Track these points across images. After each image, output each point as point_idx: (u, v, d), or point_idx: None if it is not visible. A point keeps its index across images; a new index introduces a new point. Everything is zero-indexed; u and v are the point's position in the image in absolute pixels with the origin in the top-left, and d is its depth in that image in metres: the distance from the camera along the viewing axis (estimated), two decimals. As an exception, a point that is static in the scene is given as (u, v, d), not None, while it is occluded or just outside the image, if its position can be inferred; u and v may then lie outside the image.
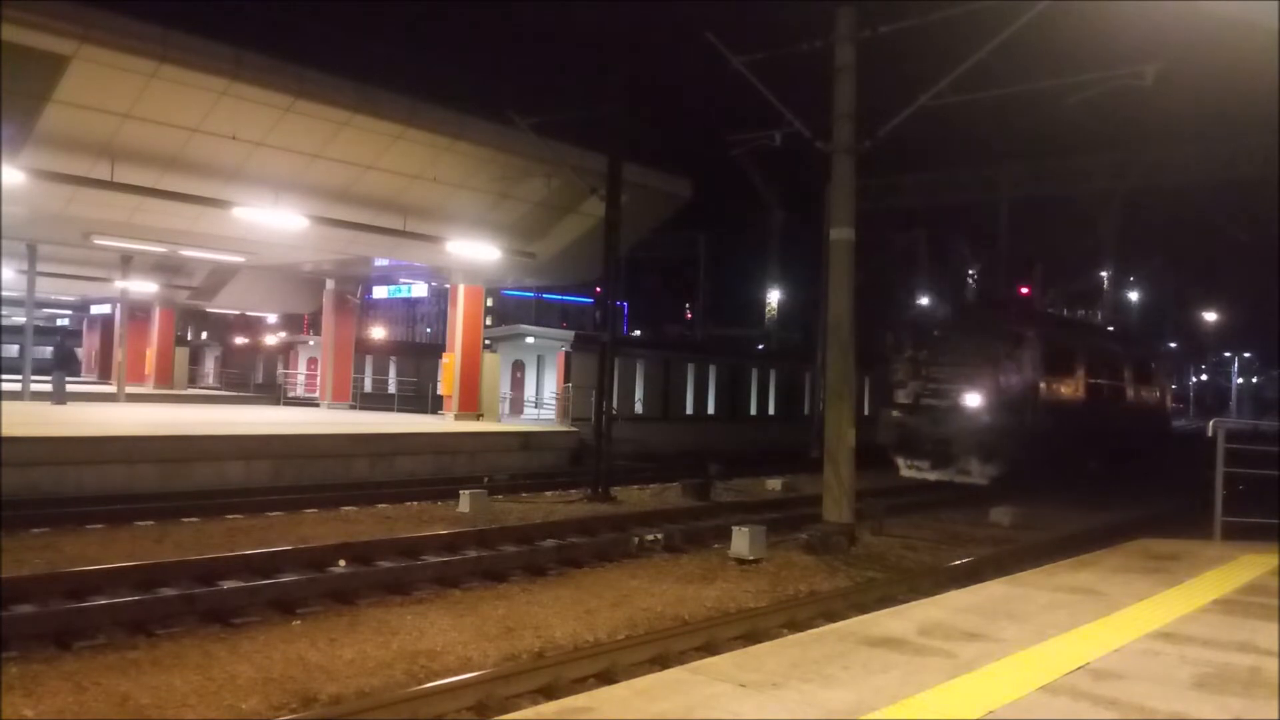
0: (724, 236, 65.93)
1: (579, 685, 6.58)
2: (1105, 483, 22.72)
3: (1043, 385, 22.43)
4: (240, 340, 49.21)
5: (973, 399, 21.62)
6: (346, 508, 14.98)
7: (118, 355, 30.10)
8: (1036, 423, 21.79)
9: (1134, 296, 69.88)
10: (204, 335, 50.85)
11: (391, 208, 20.32)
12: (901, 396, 22.80)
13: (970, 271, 51.20)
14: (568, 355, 26.35)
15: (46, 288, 31.13)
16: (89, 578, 9.05)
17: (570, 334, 27.70)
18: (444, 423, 23.79)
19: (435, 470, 19.14)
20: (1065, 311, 67.02)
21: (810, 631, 6.18)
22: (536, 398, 30.66)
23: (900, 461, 22.71)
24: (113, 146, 16.24)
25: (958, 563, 12.23)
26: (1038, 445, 21.45)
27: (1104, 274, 67.30)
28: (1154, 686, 4.68)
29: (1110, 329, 38.91)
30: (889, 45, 13.73)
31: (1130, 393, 27.69)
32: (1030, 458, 21.24)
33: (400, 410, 29.47)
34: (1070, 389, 23.97)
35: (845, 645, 5.26)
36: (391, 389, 33.20)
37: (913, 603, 7.02)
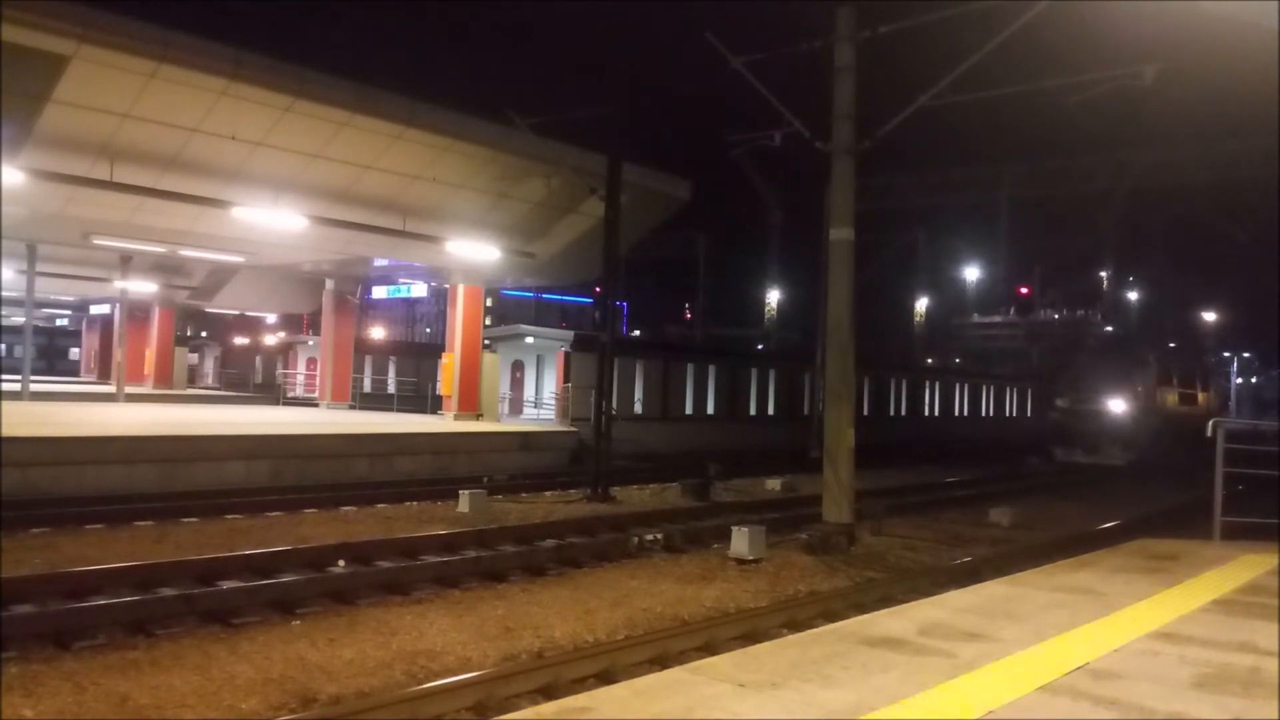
0: (724, 237, 66.09)
1: (578, 685, 6.57)
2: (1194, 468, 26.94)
3: (1158, 395, 31.37)
4: (240, 340, 49.21)
5: (1115, 404, 30.21)
6: (346, 508, 14.98)
7: (117, 355, 30.11)
8: (1155, 422, 30.01)
9: (1133, 296, 69.89)
10: (203, 335, 50.86)
11: (391, 208, 20.31)
12: (1060, 402, 31.50)
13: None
14: (567, 355, 26.35)
15: (46, 288, 31.15)
16: (88, 578, 9.04)
17: (570, 334, 27.69)
18: (443, 423, 23.78)
19: (435, 470, 19.13)
20: (1065, 310, 67.28)
21: (810, 631, 6.17)
22: (536, 398, 30.66)
23: (1057, 450, 30.79)
24: (112, 146, 16.23)
25: (958, 562, 12.24)
26: (1155, 438, 29.47)
27: (1103, 274, 67.37)
28: (1154, 686, 4.68)
29: (1184, 348, 50.27)
30: (889, 45, 13.73)
31: (1200, 397, 35.96)
32: (1151, 447, 29.19)
33: (400, 410, 29.45)
34: (1172, 397, 32.73)
35: (845, 645, 5.26)
36: (391, 389, 33.19)
37: (912, 603, 7.01)
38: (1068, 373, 32.22)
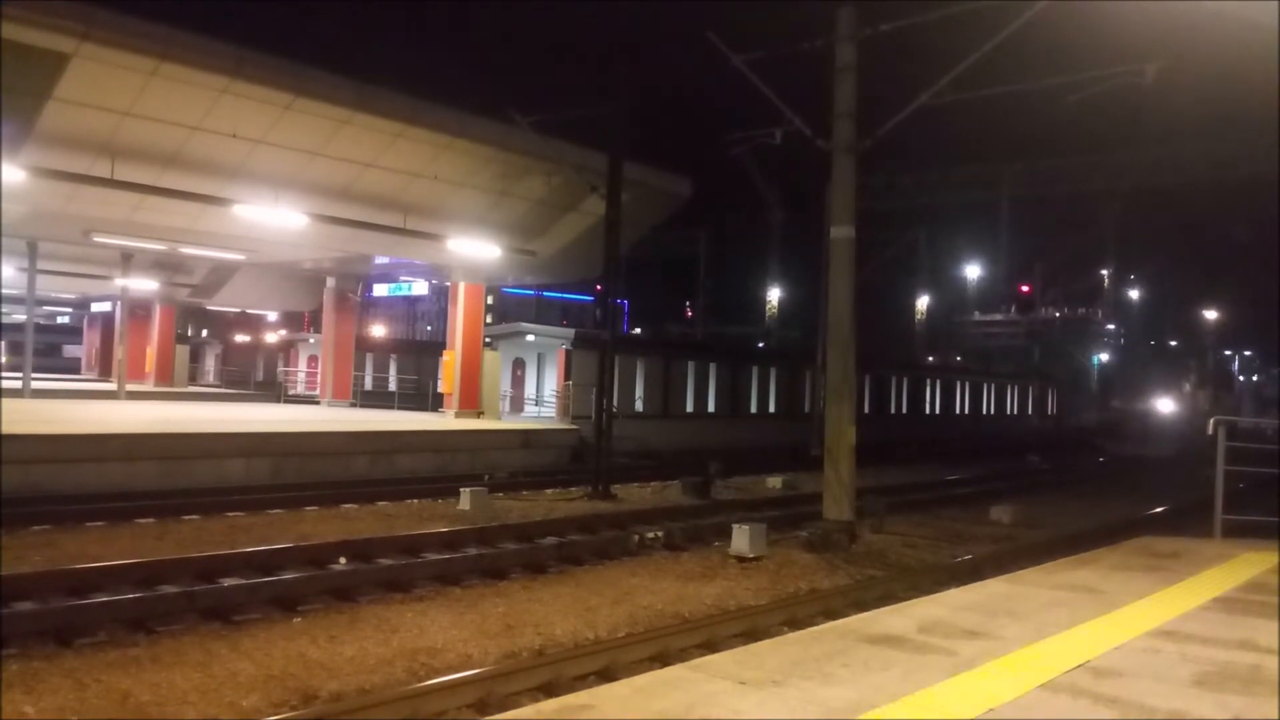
0: (725, 235, 65.95)
1: (579, 683, 6.59)
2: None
3: (1197, 396, 39.60)
4: (241, 338, 49.18)
5: (1164, 405, 38.11)
6: (347, 505, 14.99)
7: (118, 353, 30.11)
8: (1197, 422, 36.44)
9: (1134, 295, 69.83)
10: (204, 333, 50.83)
11: (392, 206, 20.31)
12: (1115, 403, 40.13)
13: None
14: (568, 353, 26.32)
15: (47, 285, 31.13)
16: (89, 575, 9.05)
17: (571, 332, 27.66)
18: (444, 420, 23.79)
19: (436, 468, 19.14)
20: (1066, 309, 67.34)
21: (810, 629, 6.18)
22: (537, 395, 30.62)
23: (1111, 443, 37.94)
24: (113, 144, 16.23)
25: (958, 560, 12.24)
26: (1196, 433, 34.59)
27: (1104, 273, 67.35)
28: (1154, 684, 4.68)
29: (1215, 356, 58.52)
30: (890, 44, 13.72)
31: (1227, 399, 45.46)
32: (1193, 441, 34.01)
33: (401, 408, 29.46)
34: (1206, 400, 40.58)
35: (845, 643, 5.26)
36: (392, 387, 33.17)
37: (913, 600, 7.02)
38: (1123, 376, 41.09)
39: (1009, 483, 23.54)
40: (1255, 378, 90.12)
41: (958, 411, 43.05)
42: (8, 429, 14.21)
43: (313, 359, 37.35)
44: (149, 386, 33.66)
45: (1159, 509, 18.83)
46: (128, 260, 27.50)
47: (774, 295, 60.71)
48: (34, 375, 26.77)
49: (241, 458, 16.62)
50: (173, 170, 17.27)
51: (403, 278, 32.40)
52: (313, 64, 17.09)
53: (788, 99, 14.33)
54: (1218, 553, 8.98)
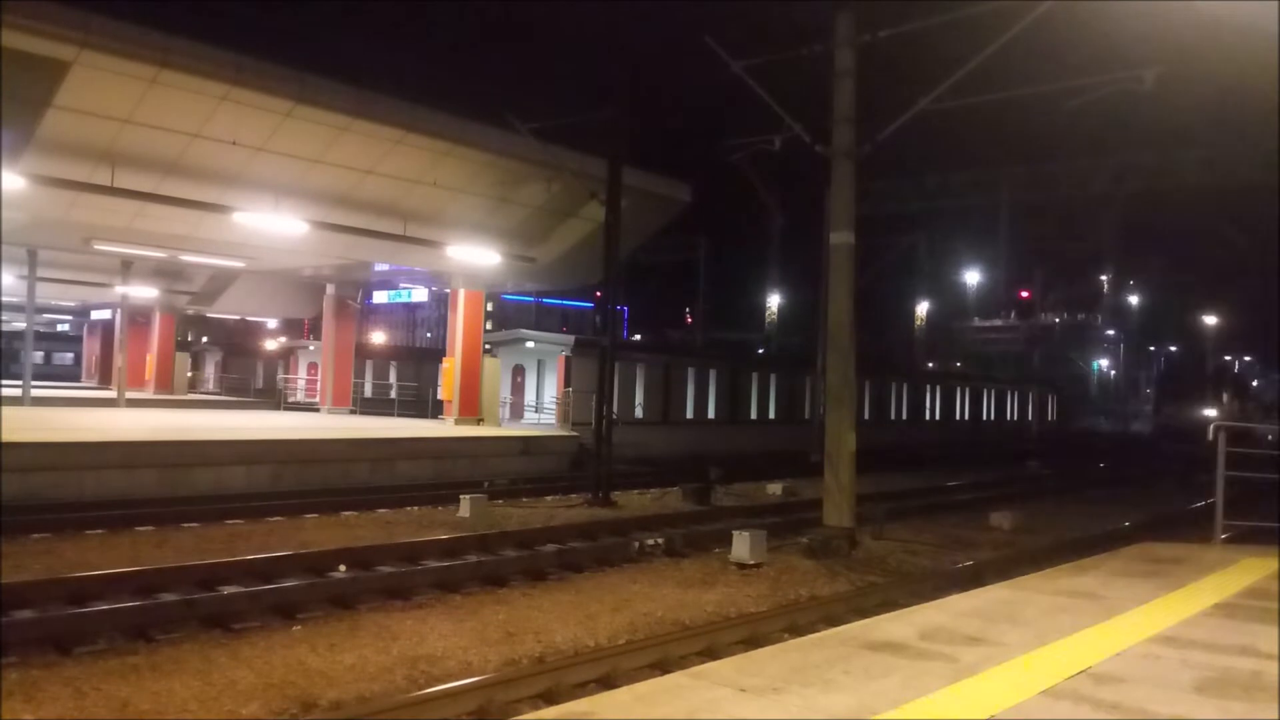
0: (724, 240, 65.98)
1: (580, 690, 6.57)
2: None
3: (1232, 404, 45.97)
4: (241, 345, 49.17)
5: (1210, 413, 44.07)
6: (347, 513, 14.97)
7: (118, 360, 30.14)
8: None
9: (1134, 300, 69.84)
10: (204, 340, 50.84)
11: (392, 213, 20.32)
12: (1167, 412, 48.63)
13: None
14: (568, 360, 26.33)
15: (47, 293, 31.19)
16: (89, 583, 9.03)
17: (570, 338, 27.65)
18: (444, 427, 23.78)
19: (435, 475, 19.12)
20: (1066, 314, 67.53)
21: (811, 636, 6.17)
22: (537, 402, 30.63)
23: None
24: (113, 152, 16.25)
25: (959, 566, 12.22)
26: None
27: (1104, 278, 67.42)
28: (1155, 690, 4.67)
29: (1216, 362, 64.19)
30: (889, 49, 13.74)
31: (1246, 406, 51.58)
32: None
33: (401, 415, 29.43)
34: (1248, 409, 46.46)
35: (846, 649, 5.26)
36: (392, 394, 33.17)
37: (914, 607, 7.01)
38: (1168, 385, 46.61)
39: (1009, 488, 23.52)
40: (1255, 382, 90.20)
41: (958, 417, 43.08)
42: (8, 436, 14.20)
43: (312, 366, 37.36)
44: (149, 394, 33.65)
45: (1161, 515, 18.80)
46: (128, 268, 27.53)
47: (774, 301, 60.65)
48: (33, 383, 26.77)
49: (241, 465, 16.60)
50: (173, 177, 17.29)
51: (402, 284, 32.47)
52: (312, 71, 17.12)
53: (787, 104, 14.36)
54: (1219, 558, 8.96)
